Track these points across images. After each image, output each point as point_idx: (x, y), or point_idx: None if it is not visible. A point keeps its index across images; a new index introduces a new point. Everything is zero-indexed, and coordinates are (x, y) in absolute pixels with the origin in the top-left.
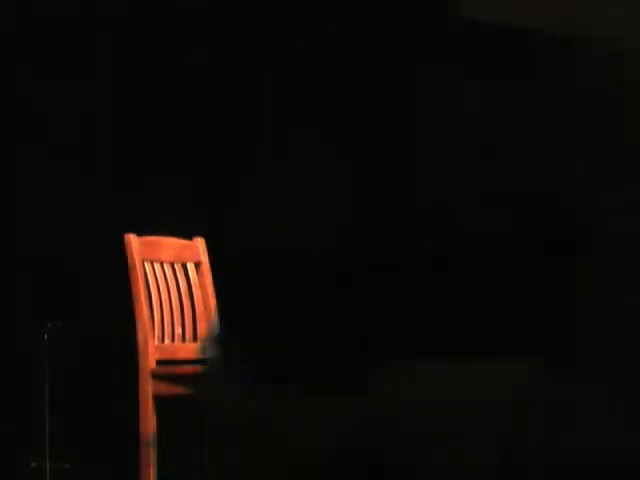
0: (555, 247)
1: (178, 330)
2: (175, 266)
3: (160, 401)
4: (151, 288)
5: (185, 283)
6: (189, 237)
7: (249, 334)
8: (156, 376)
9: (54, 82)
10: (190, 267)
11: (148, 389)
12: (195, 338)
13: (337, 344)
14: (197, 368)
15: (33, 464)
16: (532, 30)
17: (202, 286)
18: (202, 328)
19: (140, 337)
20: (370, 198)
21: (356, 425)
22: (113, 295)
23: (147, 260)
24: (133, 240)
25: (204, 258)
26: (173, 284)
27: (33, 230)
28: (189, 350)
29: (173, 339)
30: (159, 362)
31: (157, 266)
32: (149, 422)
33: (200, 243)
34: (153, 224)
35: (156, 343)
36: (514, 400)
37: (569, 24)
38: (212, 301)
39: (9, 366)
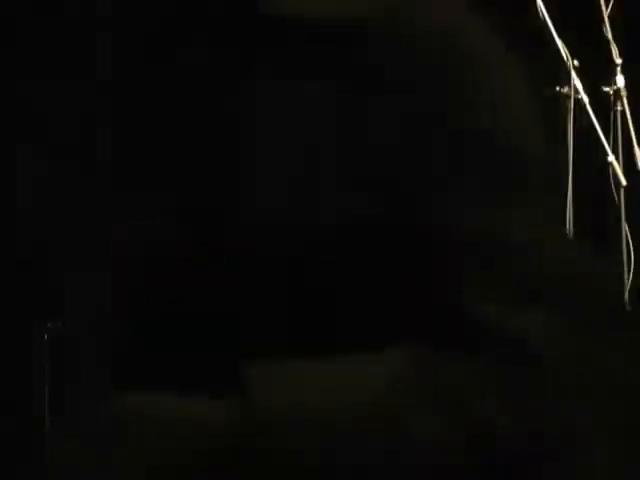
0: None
1: None
2: None
3: None
4: None
5: None
6: None
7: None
8: None
9: (55, 82)
10: None
11: None
12: None
13: (209, 342)
14: None
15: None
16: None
17: None
18: None
19: None
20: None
21: (228, 425)
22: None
23: None
24: None
25: None
26: None
27: (33, 230)
28: None
29: None
30: None
31: None
32: None
33: None
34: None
35: None
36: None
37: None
38: None
39: (9, 366)
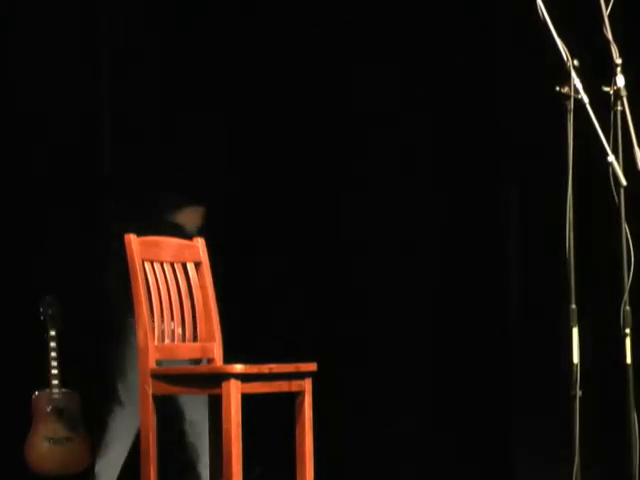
0: None
1: (178, 330)
2: (175, 266)
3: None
4: (151, 288)
5: (185, 283)
6: (189, 237)
7: None
8: (156, 376)
9: (57, 84)
10: (190, 267)
11: (148, 389)
12: (195, 338)
13: None
14: (197, 368)
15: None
16: None
17: (202, 286)
18: (202, 328)
19: (140, 337)
20: None
21: None
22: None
23: (147, 260)
24: (133, 240)
25: (204, 258)
26: (173, 284)
27: (34, 231)
28: (189, 350)
29: (173, 339)
30: (159, 362)
31: (157, 266)
32: (149, 422)
33: (200, 243)
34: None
35: (156, 343)
36: None
37: None
38: (212, 301)
39: (9, 368)
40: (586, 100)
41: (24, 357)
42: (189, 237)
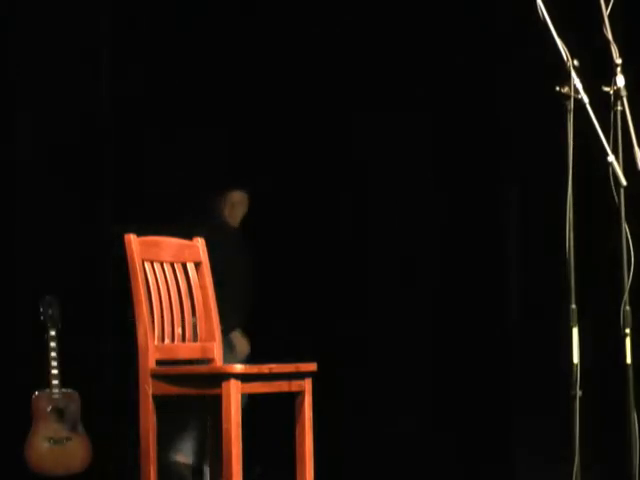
0: None
1: (178, 330)
2: (175, 266)
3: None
4: (151, 288)
5: (185, 283)
6: (189, 237)
7: None
8: (156, 376)
9: (57, 84)
10: (190, 267)
11: (148, 389)
12: (195, 338)
13: None
14: (197, 368)
15: None
16: None
17: (202, 286)
18: (202, 328)
19: (140, 337)
20: None
21: None
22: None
23: (147, 260)
24: (133, 240)
25: (204, 258)
26: (173, 284)
27: (33, 233)
28: (189, 350)
29: (173, 339)
30: (159, 362)
31: (157, 266)
32: (149, 422)
33: (200, 243)
34: (153, 224)
35: (156, 343)
36: None
37: None
38: (212, 301)
39: (10, 370)
40: (586, 100)
41: (24, 357)
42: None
